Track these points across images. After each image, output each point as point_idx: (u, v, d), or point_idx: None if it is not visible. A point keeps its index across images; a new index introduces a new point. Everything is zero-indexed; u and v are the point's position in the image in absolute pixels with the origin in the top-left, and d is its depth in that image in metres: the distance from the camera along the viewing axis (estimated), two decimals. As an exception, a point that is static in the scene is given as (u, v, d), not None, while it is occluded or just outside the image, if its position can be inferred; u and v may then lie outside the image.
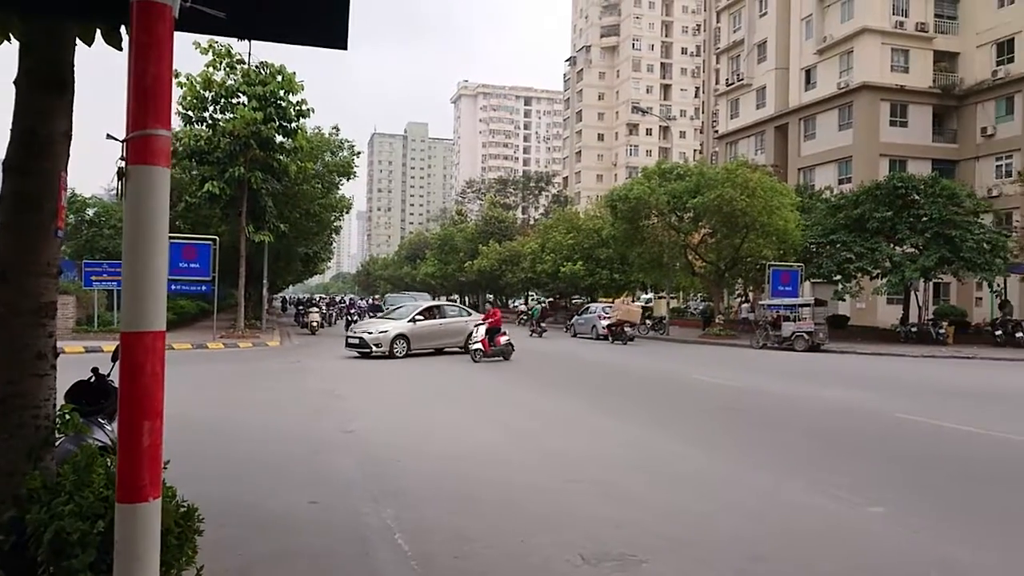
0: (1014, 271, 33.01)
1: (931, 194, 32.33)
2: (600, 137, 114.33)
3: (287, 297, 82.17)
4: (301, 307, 43.53)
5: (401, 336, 22.85)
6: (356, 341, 22.80)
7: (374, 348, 22.27)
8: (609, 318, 33.01)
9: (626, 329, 31.45)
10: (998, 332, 30.42)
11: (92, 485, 3.20)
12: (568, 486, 7.31)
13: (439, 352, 24.33)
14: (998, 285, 32.93)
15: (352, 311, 43.19)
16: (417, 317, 23.81)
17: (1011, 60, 42.60)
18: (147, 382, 2.26)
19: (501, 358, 21.61)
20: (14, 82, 3.40)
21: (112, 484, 2.95)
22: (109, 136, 2.51)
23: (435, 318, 24.70)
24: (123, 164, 2.32)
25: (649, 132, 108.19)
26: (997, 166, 43.22)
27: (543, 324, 38.29)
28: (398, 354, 22.39)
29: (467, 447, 9.27)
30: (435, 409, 12.87)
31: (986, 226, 33.59)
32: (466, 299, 77.68)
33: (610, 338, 31.84)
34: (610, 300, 43.79)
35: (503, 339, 21.81)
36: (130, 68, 2.27)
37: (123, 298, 2.31)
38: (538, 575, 4.94)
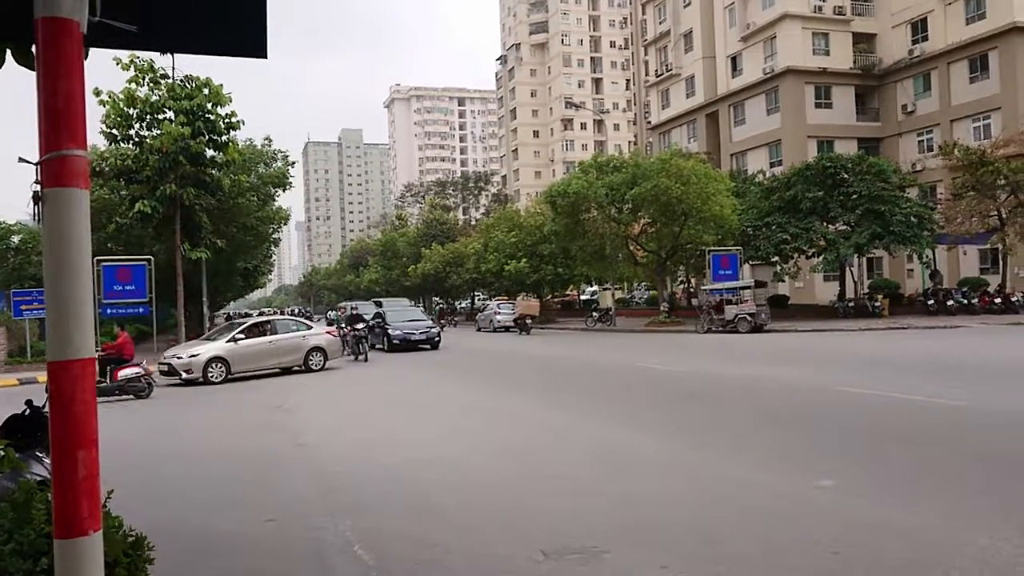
0: (941, 242, 34.18)
1: (859, 172, 33.29)
2: (536, 134, 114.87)
3: (231, 314, 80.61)
4: None
5: (217, 359, 19.93)
6: (165, 368, 19.82)
7: (184, 374, 19.48)
8: (513, 313, 39.70)
9: (527, 321, 37.14)
10: (930, 301, 31.59)
11: (32, 522, 3.08)
12: (524, 482, 7.32)
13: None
14: (927, 256, 34.07)
15: None
16: (239, 336, 20.73)
17: (925, 39, 44.11)
18: (78, 411, 2.17)
19: (132, 396, 16.48)
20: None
21: (53, 519, 2.84)
22: (21, 159, 2.40)
23: (264, 335, 21.57)
24: (38, 188, 2.24)
25: (584, 126, 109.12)
26: (919, 141, 44.71)
27: (443, 320, 48.72)
28: (214, 379, 19.51)
29: (419, 449, 9.19)
30: (381, 414, 12.76)
31: (912, 200, 34.73)
32: (412, 303, 77.10)
33: (518, 330, 37.34)
34: (507, 298, 50.77)
35: (124, 372, 16.75)
36: (39, 87, 2.18)
37: (48, 326, 2.23)
38: (501, 575, 4.93)
